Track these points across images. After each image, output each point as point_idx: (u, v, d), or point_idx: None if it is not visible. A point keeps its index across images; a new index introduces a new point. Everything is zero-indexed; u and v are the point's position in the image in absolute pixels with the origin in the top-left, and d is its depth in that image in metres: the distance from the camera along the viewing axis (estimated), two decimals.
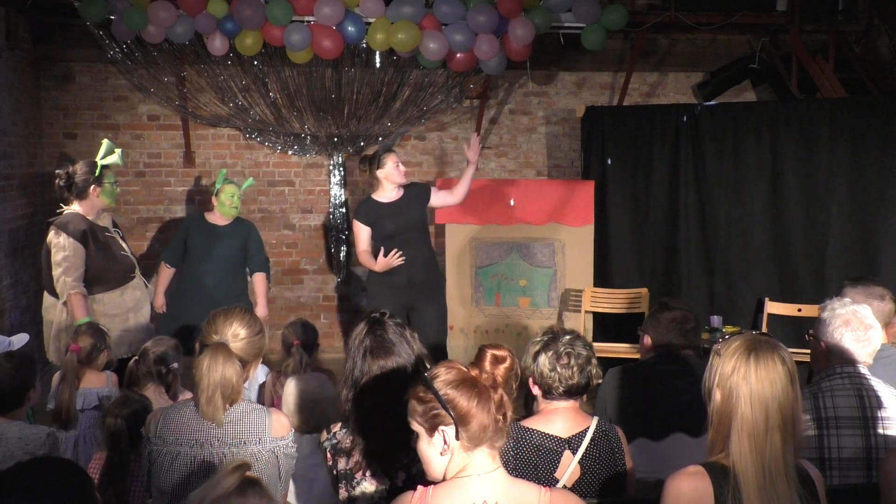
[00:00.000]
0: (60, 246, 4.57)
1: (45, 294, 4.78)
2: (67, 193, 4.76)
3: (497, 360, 2.24)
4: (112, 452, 3.12)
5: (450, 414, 2.01)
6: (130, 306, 4.81)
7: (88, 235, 4.63)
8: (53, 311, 4.72)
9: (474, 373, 2.08)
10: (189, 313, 5.11)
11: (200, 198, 7.36)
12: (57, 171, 4.80)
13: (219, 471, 2.29)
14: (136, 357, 3.75)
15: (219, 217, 5.62)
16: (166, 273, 5.58)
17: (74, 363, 3.75)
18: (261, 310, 5.54)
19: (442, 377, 2.05)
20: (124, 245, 4.90)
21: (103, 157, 4.80)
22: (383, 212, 5.35)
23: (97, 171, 4.73)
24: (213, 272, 5.45)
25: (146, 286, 5.02)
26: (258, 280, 5.67)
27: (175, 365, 3.68)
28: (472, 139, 5.53)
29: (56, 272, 4.58)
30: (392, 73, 7.00)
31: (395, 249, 5.22)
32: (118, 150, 4.88)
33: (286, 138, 7.29)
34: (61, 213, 4.75)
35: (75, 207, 4.74)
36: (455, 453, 2.02)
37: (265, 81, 7.03)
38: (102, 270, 4.69)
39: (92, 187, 4.72)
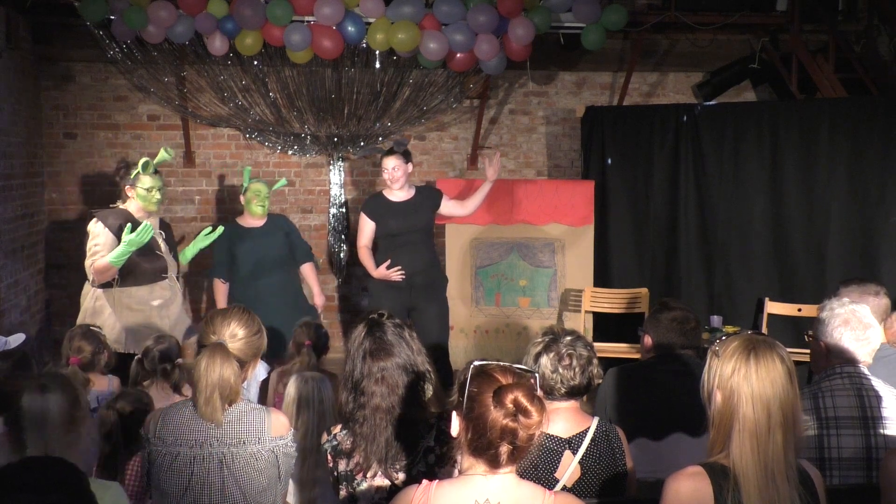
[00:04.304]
0: (95, 234, 4.82)
1: (86, 284, 4.96)
2: (119, 192, 5.08)
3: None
4: (104, 443, 3.17)
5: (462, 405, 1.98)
6: (155, 304, 4.90)
7: (123, 230, 4.80)
8: (87, 298, 4.90)
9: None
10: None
11: (201, 198, 7.36)
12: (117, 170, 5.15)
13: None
14: (139, 357, 3.76)
15: (251, 219, 5.62)
16: (223, 289, 5.54)
17: (81, 374, 3.74)
18: (318, 298, 5.71)
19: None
20: (163, 246, 5.00)
21: (155, 162, 5.01)
22: (390, 210, 5.35)
23: (132, 174, 4.95)
24: (268, 276, 5.46)
25: (180, 289, 5.10)
26: (308, 270, 5.75)
27: (180, 360, 3.71)
28: (494, 157, 5.53)
29: (86, 258, 4.82)
30: (392, 73, 7.00)
31: (399, 267, 5.23)
32: (167, 153, 5.07)
33: (286, 138, 7.28)
34: (114, 207, 5.00)
35: (127, 204, 4.99)
36: (465, 451, 2.00)
37: (265, 81, 7.03)
38: (132, 265, 4.82)
39: (127, 187, 4.95)
